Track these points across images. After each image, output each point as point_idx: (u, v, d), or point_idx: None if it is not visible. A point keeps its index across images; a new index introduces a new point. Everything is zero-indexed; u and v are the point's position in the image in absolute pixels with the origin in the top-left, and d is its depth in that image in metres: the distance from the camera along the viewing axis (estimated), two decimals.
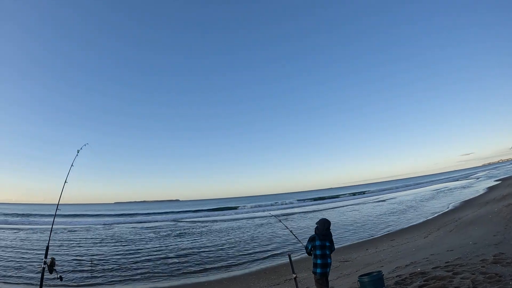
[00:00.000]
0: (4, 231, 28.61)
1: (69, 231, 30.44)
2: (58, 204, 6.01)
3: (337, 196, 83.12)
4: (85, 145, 7.07)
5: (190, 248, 18.59)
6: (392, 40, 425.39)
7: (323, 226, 5.84)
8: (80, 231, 30.41)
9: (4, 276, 12.48)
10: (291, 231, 7.46)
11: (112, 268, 14.03)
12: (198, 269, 13.56)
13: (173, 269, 13.75)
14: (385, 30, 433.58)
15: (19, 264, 14.45)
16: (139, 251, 18.24)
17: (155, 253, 17.47)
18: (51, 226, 5.87)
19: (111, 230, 31.33)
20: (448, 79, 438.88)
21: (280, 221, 9.09)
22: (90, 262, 15.19)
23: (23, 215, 52.30)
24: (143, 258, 16.09)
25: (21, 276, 12.43)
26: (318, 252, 5.68)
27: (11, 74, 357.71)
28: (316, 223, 5.99)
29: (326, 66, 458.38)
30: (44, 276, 4.82)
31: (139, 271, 13.44)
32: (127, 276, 12.80)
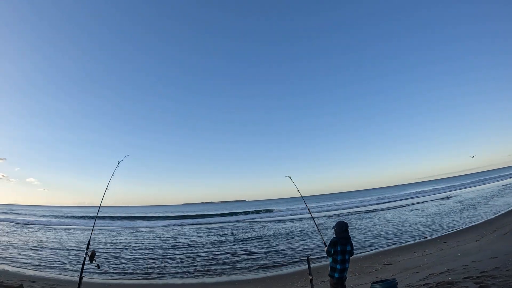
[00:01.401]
0: (71, 231, 32.41)
1: (136, 231, 33.94)
2: (99, 207, 7.00)
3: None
4: (125, 156, 7.83)
5: (243, 248, 19.55)
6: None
7: (341, 229, 5.77)
8: (145, 232, 33.51)
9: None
10: (320, 234, 7.60)
11: (166, 265, 15.60)
12: (246, 267, 14.32)
13: (223, 267, 14.70)
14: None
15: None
16: (194, 250, 19.75)
17: (209, 252, 18.71)
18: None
19: (174, 230, 33.91)
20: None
21: (316, 225, 9.14)
22: (147, 259, 16.90)
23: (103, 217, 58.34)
24: (197, 256, 17.42)
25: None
26: (339, 257, 5.65)
27: (85, 80, 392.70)
28: (333, 227, 5.91)
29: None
30: (89, 264, 5.76)
31: (191, 268, 14.72)
32: (179, 272, 14.14)
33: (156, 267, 15.04)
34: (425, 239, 16.78)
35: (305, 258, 6.30)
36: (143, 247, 21.62)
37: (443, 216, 25.13)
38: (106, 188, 7.17)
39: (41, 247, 21.07)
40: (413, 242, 16.38)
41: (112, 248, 21.27)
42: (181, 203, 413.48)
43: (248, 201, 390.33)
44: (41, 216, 62.03)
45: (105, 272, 14.26)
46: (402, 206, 42.30)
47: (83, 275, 5.69)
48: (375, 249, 15.78)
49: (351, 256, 5.82)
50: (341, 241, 5.71)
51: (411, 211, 34.12)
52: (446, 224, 20.67)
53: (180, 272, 14.07)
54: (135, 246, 21.92)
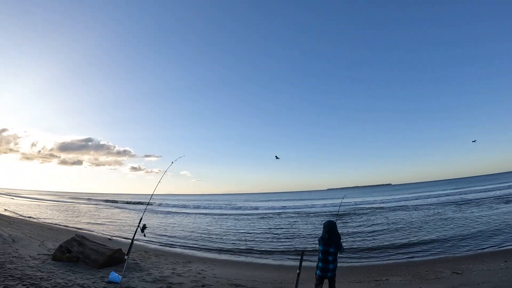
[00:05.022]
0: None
1: (261, 218, 37.44)
2: (152, 195, 9.31)
3: None
4: (180, 157, 9.57)
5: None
6: None
7: (324, 230, 6.12)
8: (268, 218, 36.51)
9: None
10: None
11: (258, 247, 17.68)
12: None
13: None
14: None
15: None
16: (292, 234, 21.62)
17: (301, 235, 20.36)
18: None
19: (281, 218, 35.72)
20: None
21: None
22: (245, 240, 19.96)
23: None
24: (289, 239, 19.54)
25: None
26: (320, 256, 6.08)
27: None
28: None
29: None
30: (142, 235, 8.06)
31: (277, 248, 16.90)
32: (265, 252, 16.35)
33: (252, 247, 17.54)
34: None
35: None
36: (252, 230, 24.82)
37: None
38: (159, 182, 9.43)
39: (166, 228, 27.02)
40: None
41: (226, 230, 25.35)
42: (325, 188, 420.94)
43: (394, 184, 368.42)
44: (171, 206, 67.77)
45: (207, 249, 17.53)
46: None
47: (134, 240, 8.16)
48: (468, 250, 14.07)
49: (338, 252, 6.09)
50: (324, 242, 6.04)
51: None
52: None
53: (265, 253, 16.15)
54: (241, 229, 25.53)
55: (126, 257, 7.85)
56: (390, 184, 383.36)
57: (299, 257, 6.36)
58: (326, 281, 6.24)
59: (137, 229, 8.01)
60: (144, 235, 8.13)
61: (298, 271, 6.41)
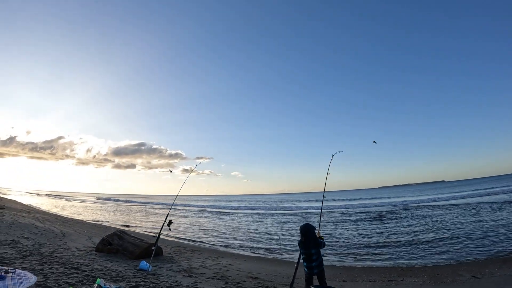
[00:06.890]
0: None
1: (301, 217, 37.97)
2: (177, 196, 10.42)
3: None
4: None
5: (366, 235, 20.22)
6: None
7: (300, 233, 6.34)
8: (309, 218, 37.31)
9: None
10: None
11: (292, 244, 18.16)
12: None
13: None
14: None
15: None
16: (326, 234, 21.48)
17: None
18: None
19: (322, 217, 35.52)
20: None
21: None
22: (278, 238, 20.63)
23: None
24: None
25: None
26: (303, 256, 6.39)
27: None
28: None
29: None
30: (166, 229, 9.67)
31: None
32: (296, 250, 16.45)
33: (283, 247, 17.95)
34: None
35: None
36: (289, 230, 25.28)
37: None
38: (184, 182, 11.41)
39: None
40: None
41: (265, 230, 26.17)
42: (377, 187, 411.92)
43: (448, 181, 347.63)
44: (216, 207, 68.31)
45: (241, 247, 18.43)
46: None
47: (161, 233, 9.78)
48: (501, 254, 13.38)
49: (320, 248, 6.36)
50: (302, 245, 6.40)
51: None
52: None
53: (297, 251, 16.42)
54: (284, 229, 26.03)
55: (153, 247, 9.01)
56: (443, 181, 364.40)
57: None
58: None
59: (164, 223, 9.18)
60: (170, 229, 9.25)
61: (296, 265, 6.94)
